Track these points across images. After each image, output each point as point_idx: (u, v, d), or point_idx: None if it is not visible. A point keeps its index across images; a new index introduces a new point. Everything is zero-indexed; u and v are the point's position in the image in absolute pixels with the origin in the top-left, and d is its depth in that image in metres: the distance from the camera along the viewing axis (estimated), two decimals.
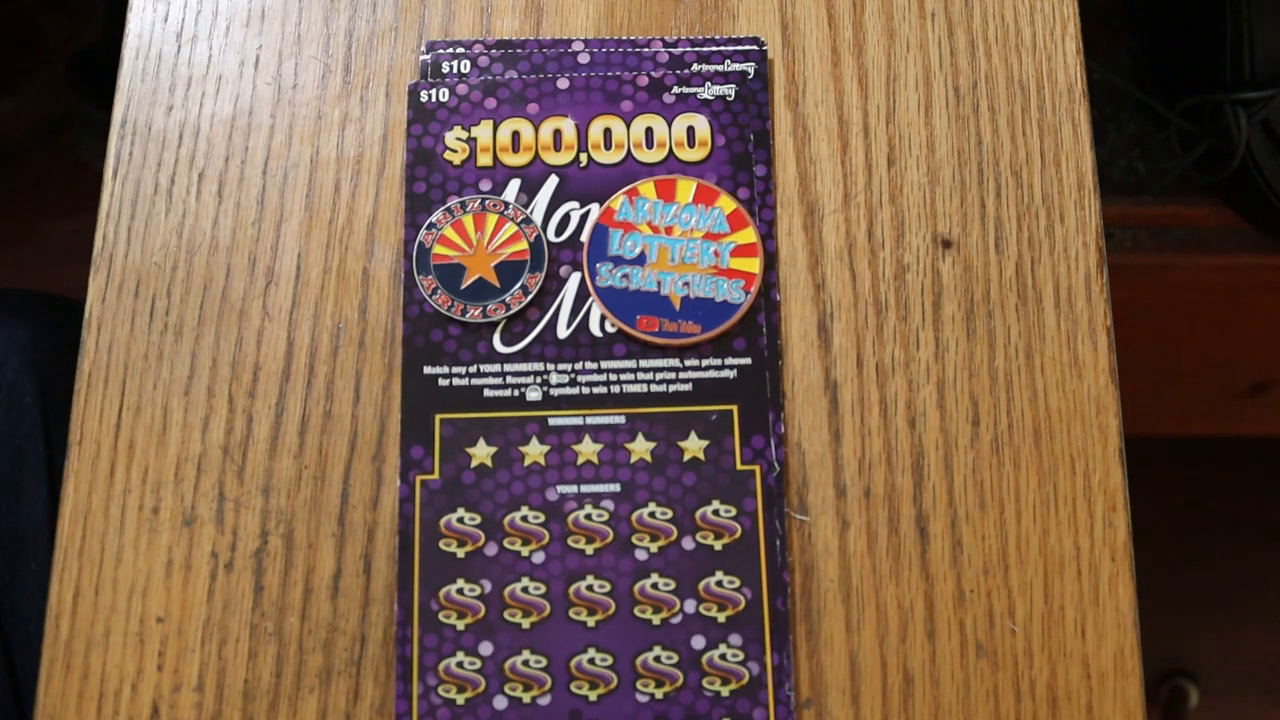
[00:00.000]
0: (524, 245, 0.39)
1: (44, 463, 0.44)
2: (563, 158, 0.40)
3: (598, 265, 0.39)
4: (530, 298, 0.38)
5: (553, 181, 0.40)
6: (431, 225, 0.39)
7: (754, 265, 0.39)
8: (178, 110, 0.41)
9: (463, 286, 0.38)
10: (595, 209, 0.39)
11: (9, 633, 0.42)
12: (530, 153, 0.40)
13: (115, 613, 0.36)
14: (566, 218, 0.39)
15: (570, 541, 0.37)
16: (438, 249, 0.39)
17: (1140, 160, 0.77)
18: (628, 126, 0.40)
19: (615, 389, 0.38)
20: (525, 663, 0.36)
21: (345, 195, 0.40)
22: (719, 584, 0.37)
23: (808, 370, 0.38)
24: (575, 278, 0.39)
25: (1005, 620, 0.36)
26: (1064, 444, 0.38)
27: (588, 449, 0.38)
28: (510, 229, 0.39)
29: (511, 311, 0.38)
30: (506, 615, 0.36)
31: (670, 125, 0.40)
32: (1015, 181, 0.40)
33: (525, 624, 0.36)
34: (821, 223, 0.40)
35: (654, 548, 0.37)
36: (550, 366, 0.38)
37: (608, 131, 0.40)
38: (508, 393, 0.38)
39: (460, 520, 0.37)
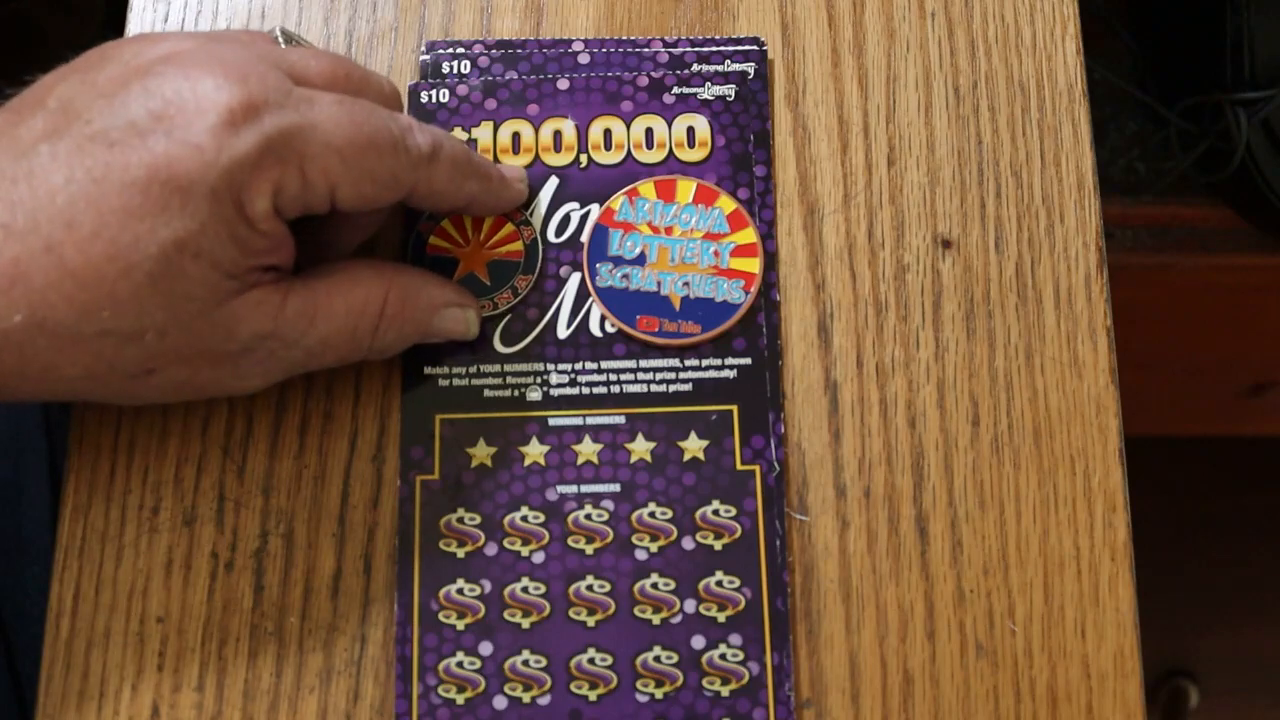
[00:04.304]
0: (519, 246, 0.39)
1: (46, 465, 0.43)
2: (563, 159, 0.40)
3: (598, 265, 0.39)
4: (518, 299, 0.38)
5: (553, 182, 0.40)
6: (431, 216, 0.39)
7: (754, 265, 0.39)
8: None
9: (453, 280, 0.38)
10: (595, 209, 0.39)
11: (11, 636, 0.42)
12: (530, 154, 0.40)
13: (115, 613, 0.36)
14: (566, 218, 0.39)
15: (570, 541, 0.37)
16: (433, 240, 0.39)
17: (1140, 160, 0.77)
18: (628, 127, 0.40)
19: (615, 389, 0.38)
20: (525, 663, 0.36)
21: None
22: (719, 584, 0.37)
23: (808, 370, 0.38)
24: (575, 278, 0.39)
25: (1005, 620, 0.36)
26: (1064, 444, 0.38)
27: (588, 449, 0.38)
28: (508, 228, 0.39)
29: (497, 310, 0.38)
30: (506, 615, 0.36)
31: (670, 125, 0.40)
32: (1015, 181, 0.40)
33: (525, 624, 0.36)
34: (821, 223, 0.40)
35: (654, 548, 0.37)
36: (550, 366, 0.38)
37: (608, 132, 0.40)
38: (508, 393, 0.38)
39: (460, 520, 0.37)
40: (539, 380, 0.38)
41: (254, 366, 0.34)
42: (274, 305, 0.33)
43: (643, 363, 0.38)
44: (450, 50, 0.41)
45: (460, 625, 0.36)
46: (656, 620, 0.36)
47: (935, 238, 0.39)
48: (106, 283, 0.30)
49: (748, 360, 0.38)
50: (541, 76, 0.40)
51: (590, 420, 0.38)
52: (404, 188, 0.34)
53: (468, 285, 0.38)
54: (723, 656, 0.36)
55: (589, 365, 0.38)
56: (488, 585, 0.36)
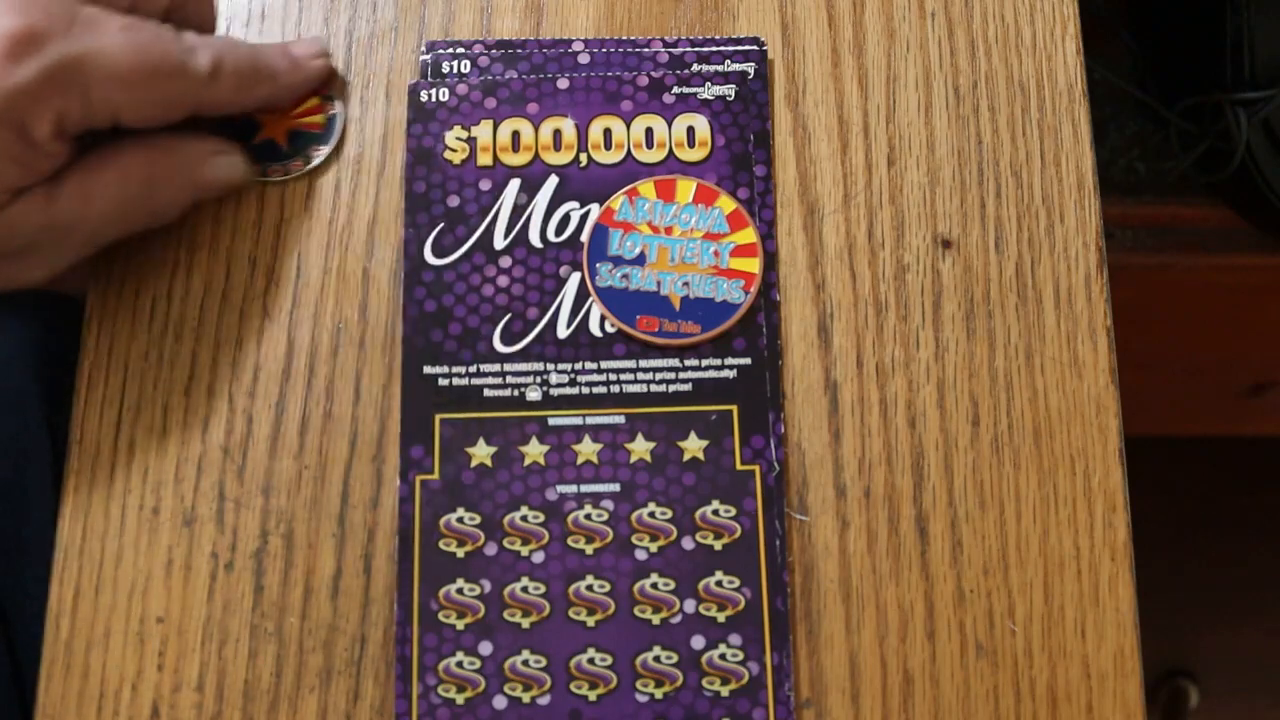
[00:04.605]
0: (321, 118, 0.40)
1: (49, 466, 0.43)
2: (563, 158, 0.40)
3: (598, 265, 0.39)
4: (310, 167, 0.39)
5: (553, 181, 0.40)
6: None
7: (754, 265, 0.39)
8: None
9: (254, 142, 0.40)
10: (595, 209, 0.39)
11: (13, 636, 0.42)
12: (530, 152, 0.40)
13: (115, 613, 0.36)
14: (566, 218, 0.39)
15: (570, 541, 0.37)
16: None
17: (1140, 160, 0.77)
18: (628, 126, 0.40)
19: (615, 389, 0.38)
20: (525, 662, 0.36)
21: (345, 195, 0.40)
22: (719, 584, 0.37)
23: (808, 370, 0.38)
24: (575, 278, 0.39)
25: (1005, 620, 0.36)
26: (1064, 444, 0.38)
27: (587, 449, 0.38)
28: (313, 101, 0.40)
29: (288, 176, 0.39)
30: (506, 615, 0.36)
31: (670, 125, 0.40)
32: (1015, 181, 0.40)
33: (525, 624, 0.36)
34: (821, 223, 0.40)
35: (654, 548, 0.37)
36: (550, 366, 0.38)
37: (608, 131, 0.40)
38: (508, 393, 0.38)
39: (460, 520, 0.37)
40: (539, 380, 0.38)
41: (39, 258, 0.36)
42: (49, 198, 0.34)
43: (643, 363, 0.38)
44: (450, 50, 0.41)
45: (460, 625, 0.36)
46: (656, 620, 0.36)
47: (935, 238, 0.39)
48: None
49: (748, 360, 0.38)
50: (541, 76, 0.40)
51: (590, 420, 0.38)
52: (188, 107, 0.36)
53: (265, 150, 0.40)
54: (722, 656, 0.36)
55: (589, 365, 0.38)
56: (487, 585, 0.36)
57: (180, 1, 0.37)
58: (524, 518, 0.37)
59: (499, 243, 0.39)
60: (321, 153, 0.40)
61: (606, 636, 0.36)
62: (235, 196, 0.40)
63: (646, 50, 0.41)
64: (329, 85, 0.40)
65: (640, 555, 0.37)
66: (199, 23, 0.38)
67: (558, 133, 0.40)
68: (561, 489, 0.37)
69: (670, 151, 0.40)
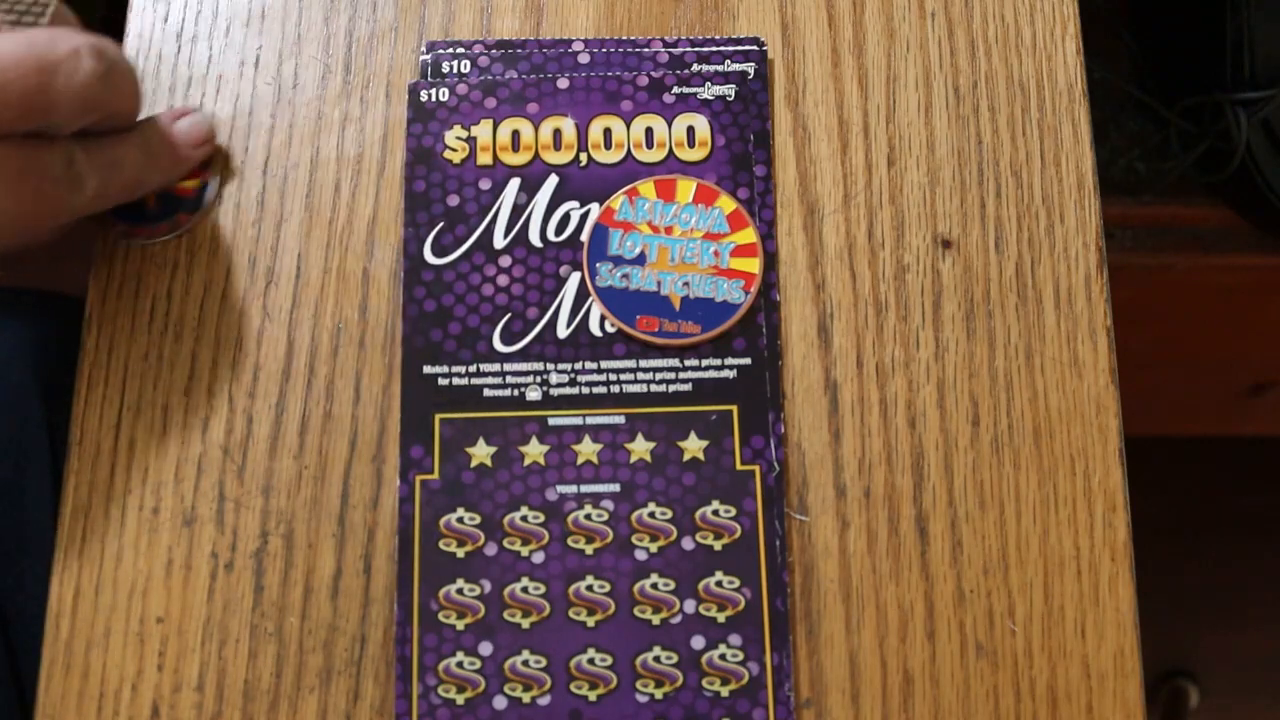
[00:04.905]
0: (194, 184, 0.40)
1: (48, 465, 0.43)
2: (563, 157, 0.40)
3: (598, 265, 0.39)
4: (174, 233, 0.39)
5: (553, 181, 0.40)
6: None
7: (754, 265, 0.39)
8: None
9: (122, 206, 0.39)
10: (595, 209, 0.39)
11: (13, 636, 0.42)
12: (530, 152, 0.40)
13: (115, 613, 0.36)
14: (566, 217, 0.39)
15: (570, 541, 0.37)
16: None
17: (1140, 160, 0.77)
18: (628, 126, 0.40)
19: (615, 389, 0.38)
20: (525, 663, 0.36)
21: (345, 195, 0.40)
22: (719, 584, 0.37)
23: (808, 370, 0.38)
24: (575, 277, 0.39)
25: (1005, 620, 0.36)
26: (1064, 444, 0.38)
27: (587, 449, 0.38)
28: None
29: (152, 241, 0.39)
30: (506, 615, 0.36)
31: (670, 125, 0.40)
32: (1015, 181, 0.40)
33: (525, 624, 0.36)
34: (821, 223, 0.40)
35: (654, 548, 0.37)
36: (550, 366, 0.38)
37: (608, 131, 0.40)
38: (507, 392, 0.38)
39: (460, 520, 0.37)
40: (539, 380, 0.38)
41: None
42: None
43: (643, 363, 0.38)
44: (450, 50, 0.41)
45: (460, 625, 0.36)
46: (656, 620, 0.36)
47: (935, 238, 0.39)
48: None
49: (748, 360, 0.38)
50: (541, 76, 0.40)
51: (590, 420, 0.38)
52: (73, 223, 0.36)
53: (133, 211, 0.39)
54: (722, 657, 0.36)
55: (589, 365, 0.38)
56: (487, 585, 0.36)
57: (99, 121, 0.35)
58: (524, 518, 0.37)
59: (499, 242, 0.39)
60: (190, 220, 0.39)
61: (606, 637, 0.36)
62: (234, 193, 0.40)
63: (646, 50, 0.41)
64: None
65: (640, 555, 0.37)
66: (121, 118, 0.37)
67: (558, 132, 0.40)
68: (561, 489, 0.37)
69: (670, 151, 0.40)
